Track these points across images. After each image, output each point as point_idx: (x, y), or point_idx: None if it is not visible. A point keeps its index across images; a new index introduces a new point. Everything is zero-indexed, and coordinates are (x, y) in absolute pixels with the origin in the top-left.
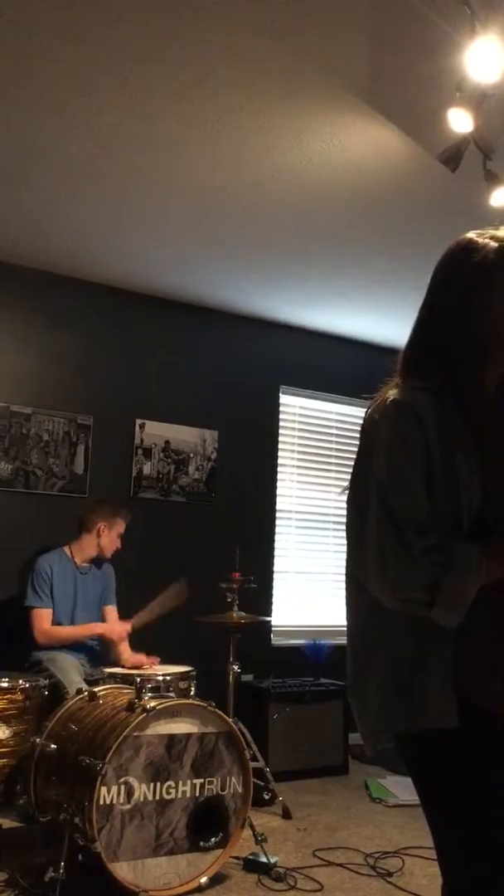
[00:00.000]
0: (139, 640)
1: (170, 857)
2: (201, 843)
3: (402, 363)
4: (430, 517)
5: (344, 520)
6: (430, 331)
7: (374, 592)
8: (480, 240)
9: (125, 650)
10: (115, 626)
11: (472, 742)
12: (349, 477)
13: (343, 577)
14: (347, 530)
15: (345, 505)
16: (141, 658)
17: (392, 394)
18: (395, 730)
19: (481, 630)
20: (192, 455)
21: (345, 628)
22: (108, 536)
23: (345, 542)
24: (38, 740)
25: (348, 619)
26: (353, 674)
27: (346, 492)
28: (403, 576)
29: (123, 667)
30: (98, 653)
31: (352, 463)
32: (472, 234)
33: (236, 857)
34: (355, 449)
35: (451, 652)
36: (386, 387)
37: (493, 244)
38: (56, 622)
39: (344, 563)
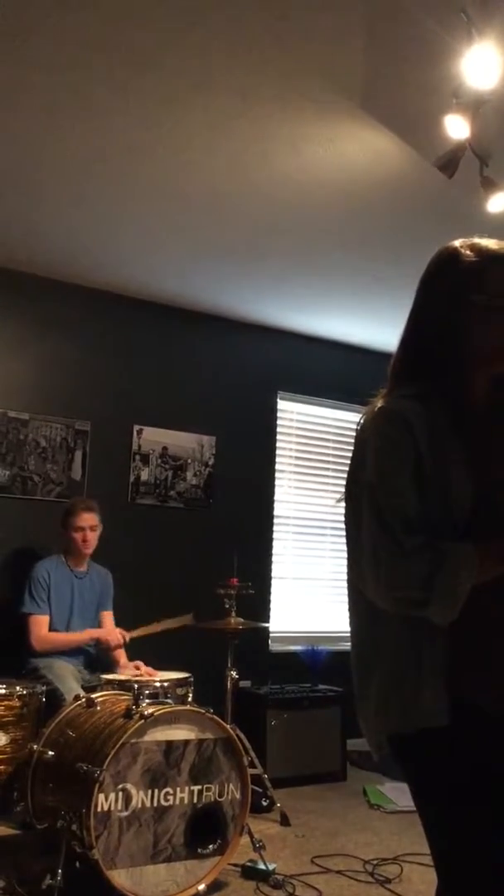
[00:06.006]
0: (137, 645)
1: (168, 865)
2: (199, 850)
3: (389, 374)
4: (421, 518)
5: (341, 525)
6: (414, 342)
7: (370, 595)
8: (462, 251)
9: (121, 656)
10: (111, 632)
11: (467, 741)
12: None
13: (343, 584)
14: (346, 539)
15: (342, 511)
16: (137, 666)
17: (380, 403)
18: (390, 730)
19: (474, 628)
20: (189, 461)
21: (342, 634)
22: (67, 535)
23: (342, 547)
24: (35, 747)
25: (351, 626)
26: (358, 679)
27: (342, 501)
28: (396, 574)
29: (120, 673)
30: (94, 659)
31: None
32: (454, 244)
33: (234, 864)
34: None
35: (444, 651)
36: (376, 397)
37: (472, 258)
38: (52, 628)
39: (341, 570)
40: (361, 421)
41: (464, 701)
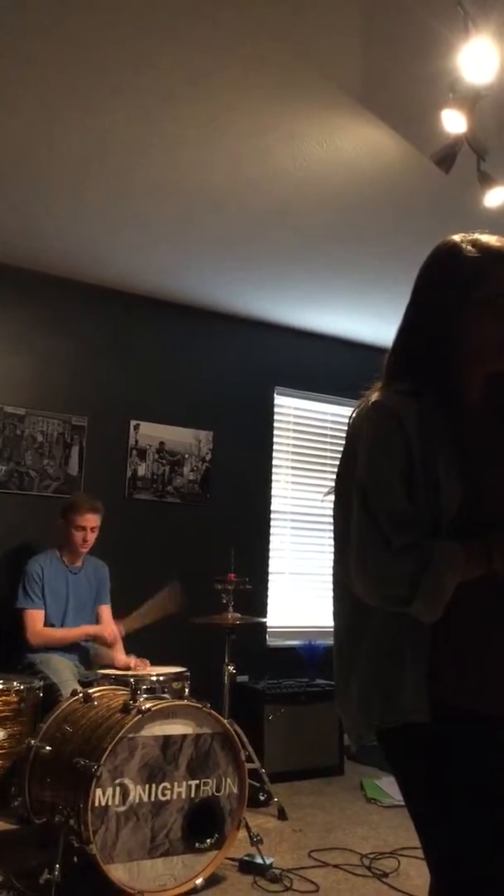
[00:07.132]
0: (135, 640)
1: (165, 859)
2: (197, 845)
3: (385, 367)
4: (410, 515)
5: None
6: (410, 337)
7: (357, 590)
8: (462, 246)
9: (118, 651)
10: (107, 627)
11: (447, 738)
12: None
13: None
14: (334, 534)
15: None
16: (132, 660)
17: (374, 397)
18: (373, 724)
19: (459, 627)
20: (186, 456)
21: None
22: (66, 530)
23: None
24: (33, 742)
25: (335, 620)
26: (339, 673)
27: (331, 494)
28: (384, 572)
29: (116, 668)
30: (91, 656)
31: None
32: (455, 239)
33: (232, 859)
34: None
35: (426, 649)
36: (370, 391)
37: (474, 254)
38: (48, 623)
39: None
40: (353, 414)
41: (447, 700)
